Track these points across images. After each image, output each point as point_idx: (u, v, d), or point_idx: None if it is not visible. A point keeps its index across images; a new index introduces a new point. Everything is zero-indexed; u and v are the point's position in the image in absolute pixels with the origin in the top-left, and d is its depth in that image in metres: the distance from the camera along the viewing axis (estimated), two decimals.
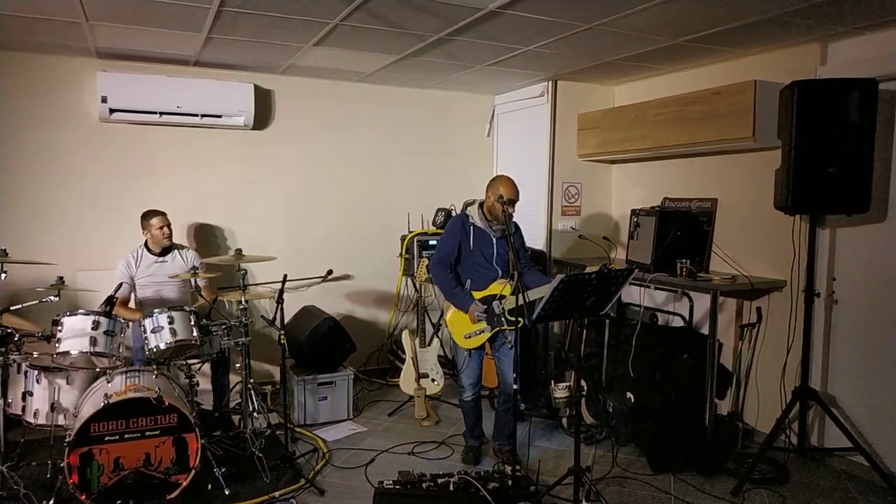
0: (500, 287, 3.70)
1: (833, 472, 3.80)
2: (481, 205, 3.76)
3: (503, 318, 3.66)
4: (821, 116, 3.41)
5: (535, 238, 5.48)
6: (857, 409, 3.82)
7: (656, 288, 4.46)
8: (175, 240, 4.44)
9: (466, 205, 3.92)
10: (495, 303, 3.66)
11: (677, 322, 4.45)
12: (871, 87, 3.39)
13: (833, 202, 3.48)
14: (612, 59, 4.50)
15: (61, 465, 3.10)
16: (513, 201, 3.62)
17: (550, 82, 5.32)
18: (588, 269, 3.61)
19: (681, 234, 4.30)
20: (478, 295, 3.71)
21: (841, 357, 3.92)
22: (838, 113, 3.39)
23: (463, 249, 3.72)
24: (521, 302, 3.29)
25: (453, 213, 5.22)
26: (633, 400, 4.06)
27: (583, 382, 4.24)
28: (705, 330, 4.15)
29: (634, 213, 4.60)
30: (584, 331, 4.53)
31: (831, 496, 3.52)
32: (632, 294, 4.65)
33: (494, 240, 3.72)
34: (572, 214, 5.47)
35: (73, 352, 3.33)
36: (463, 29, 3.80)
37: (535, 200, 5.49)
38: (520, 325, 3.46)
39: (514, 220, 3.67)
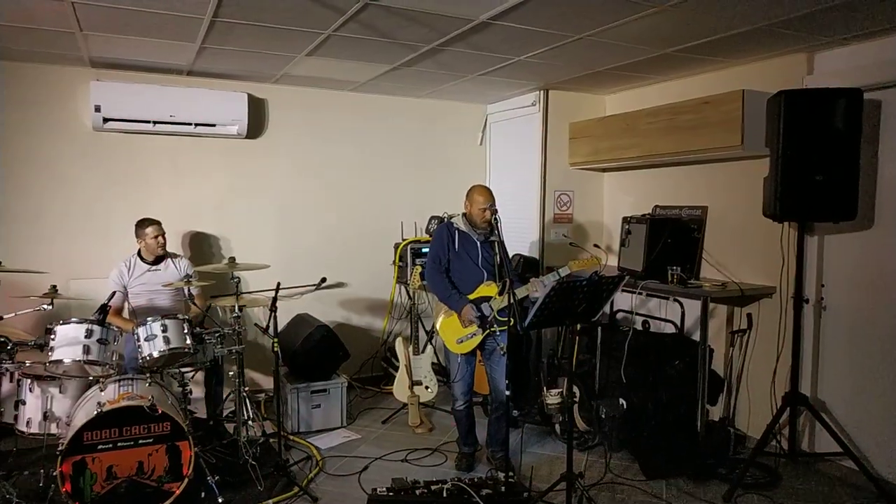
0: (488, 289, 3.75)
1: (823, 476, 3.83)
2: (464, 214, 3.84)
3: (494, 320, 3.70)
4: (808, 125, 3.46)
5: (527, 245, 5.51)
6: (847, 414, 3.86)
7: (648, 295, 4.50)
8: (169, 248, 4.44)
9: (450, 216, 4.07)
10: (485, 305, 3.71)
11: (669, 328, 4.48)
12: (857, 97, 3.45)
13: (820, 209, 3.53)
14: (602, 68, 4.55)
15: (54, 473, 3.09)
16: (493, 207, 3.70)
17: (542, 92, 5.37)
18: (564, 268, 3.69)
19: (671, 241, 4.34)
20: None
21: (830, 362, 3.96)
22: (825, 122, 3.44)
23: (450, 252, 3.80)
24: (510, 301, 3.33)
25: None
26: (625, 406, 4.08)
27: (575, 389, 4.27)
28: (696, 336, 4.18)
29: (626, 220, 4.64)
30: (577, 337, 4.56)
31: (822, 501, 3.55)
32: (624, 301, 4.68)
33: (478, 243, 3.79)
34: (564, 222, 5.51)
35: (67, 360, 3.32)
36: (455, 39, 3.84)
37: (528, 208, 5.53)
38: (510, 325, 3.49)
39: (499, 232, 3.71)
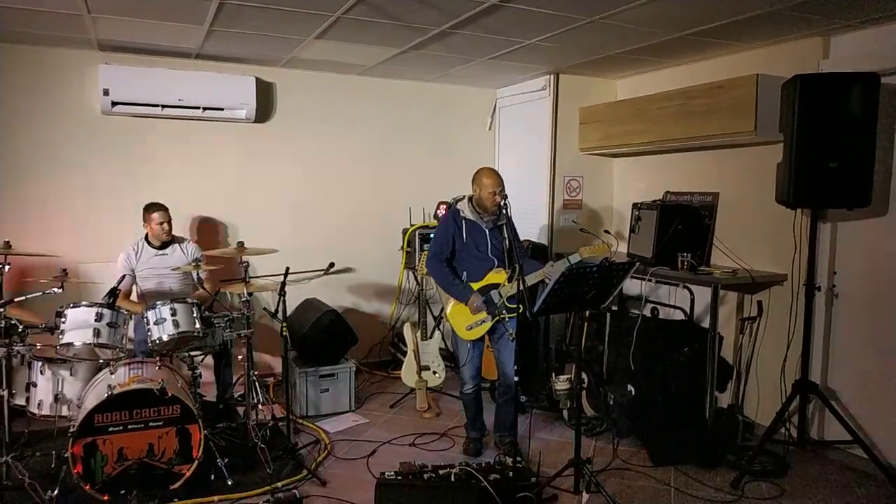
0: (497, 276, 3.73)
1: (832, 464, 3.82)
2: (470, 199, 3.79)
3: (503, 307, 3.68)
4: (823, 110, 3.41)
5: (536, 231, 5.49)
6: (857, 403, 3.84)
7: (657, 281, 4.47)
8: (178, 232, 4.45)
9: (456, 200, 3.99)
10: (494, 291, 3.69)
11: (678, 315, 4.46)
12: (874, 82, 3.39)
13: (834, 196, 3.49)
14: (614, 52, 4.50)
15: (65, 455, 3.12)
16: (502, 190, 3.63)
17: (552, 76, 5.31)
18: (574, 255, 3.65)
19: (682, 227, 4.31)
20: (476, 286, 3.74)
21: (841, 351, 3.93)
22: (840, 107, 3.39)
23: (457, 243, 3.76)
24: (520, 288, 3.31)
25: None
26: (633, 392, 4.07)
27: (584, 375, 4.26)
28: (706, 323, 4.17)
29: (636, 206, 4.61)
30: (586, 323, 4.54)
31: (831, 488, 3.54)
32: (633, 287, 4.66)
33: (487, 230, 3.75)
34: (574, 208, 5.48)
35: (77, 343, 3.35)
36: (465, 22, 3.80)
37: (537, 194, 5.49)
38: (520, 312, 3.47)
39: (508, 213, 3.67)
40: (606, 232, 4.80)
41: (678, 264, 4.19)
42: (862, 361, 3.82)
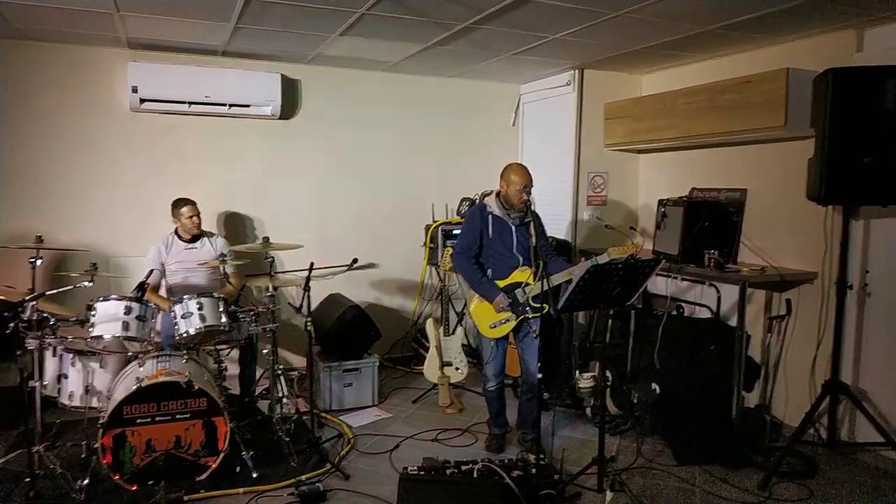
0: (522, 275, 3.70)
1: (863, 466, 3.74)
2: (498, 194, 3.76)
3: (527, 306, 3.66)
4: (856, 105, 3.33)
5: (560, 228, 5.45)
6: (889, 404, 3.75)
7: (683, 279, 4.41)
8: (204, 227, 4.50)
9: (484, 195, 3.94)
10: (518, 291, 3.67)
11: (704, 313, 4.40)
12: None
13: (868, 192, 3.40)
14: (640, 47, 4.44)
15: (95, 446, 3.18)
16: (530, 187, 3.62)
17: (577, 71, 5.27)
18: (603, 256, 3.60)
19: (709, 224, 4.25)
20: (501, 284, 3.71)
21: (873, 351, 3.84)
22: (875, 101, 3.30)
23: (483, 238, 3.73)
24: (545, 288, 3.28)
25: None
26: (658, 391, 4.03)
27: (608, 372, 4.23)
28: (733, 322, 4.10)
29: (662, 203, 4.55)
30: (610, 321, 4.51)
31: (861, 491, 3.47)
32: (658, 285, 4.60)
33: (513, 227, 3.72)
34: (598, 204, 5.43)
35: (107, 336, 3.40)
36: (490, 17, 3.78)
37: (561, 190, 5.46)
38: (544, 312, 3.45)
39: (532, 209, 3.65)
40: (632, 229, 4.75)
41: (705, 262, 4.13)
42: (895, 362, 3.73)
